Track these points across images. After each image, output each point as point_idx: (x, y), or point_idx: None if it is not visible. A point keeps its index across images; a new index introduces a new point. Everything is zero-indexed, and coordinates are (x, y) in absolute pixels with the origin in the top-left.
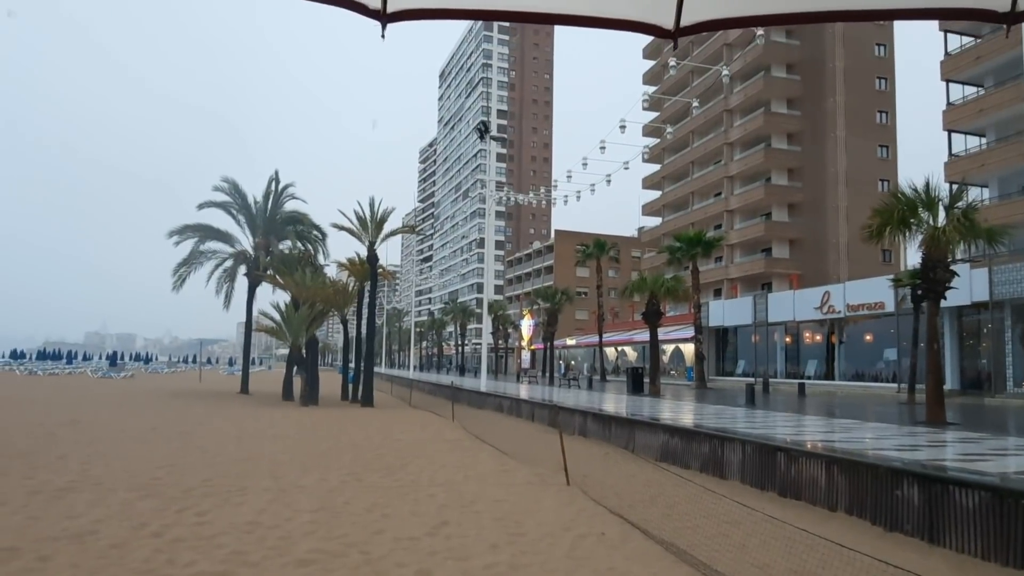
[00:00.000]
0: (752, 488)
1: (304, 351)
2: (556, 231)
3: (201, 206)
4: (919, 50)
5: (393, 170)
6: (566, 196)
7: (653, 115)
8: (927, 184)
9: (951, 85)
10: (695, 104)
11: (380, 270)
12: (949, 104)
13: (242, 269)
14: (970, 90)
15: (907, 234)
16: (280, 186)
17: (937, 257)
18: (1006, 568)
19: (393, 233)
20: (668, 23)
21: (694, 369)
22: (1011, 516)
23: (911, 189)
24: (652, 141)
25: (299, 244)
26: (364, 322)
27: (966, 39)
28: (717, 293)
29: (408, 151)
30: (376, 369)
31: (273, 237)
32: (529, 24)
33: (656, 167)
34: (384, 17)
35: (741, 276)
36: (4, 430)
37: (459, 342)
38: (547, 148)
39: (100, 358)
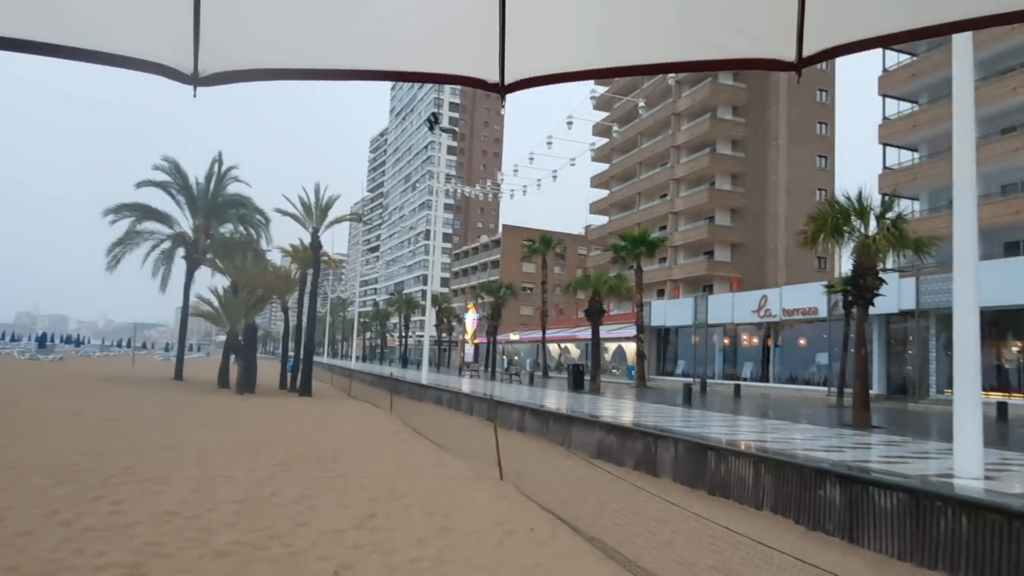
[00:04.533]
0: (683, 486)
1: (242, 338)
2: (504, 226)
3: (139, 185)
4: (859, 66)
5: (345, 160)
6: (512, 190)
7: (605, 115)
8: (860, 194)
9: (887, 100)
10: (642, 105)
11: (324, 258)
12: (885, 118)
13: (180, 252)
14: (905, 106)
15: (840, 241)
16: (223, 168)
17: (867, 265)
18: (921, 568)
19: (338, 220)
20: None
21: (635, 368)
22: (928, 517)
23: (845, 198)
24: (602, 140)
25: (241, 228)
26: (305, 310)
27: (903, 56)
28: (660, 293)
29: (360, 140)
30: (317, 359)
31: (214, 220)
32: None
33: (605, 166)
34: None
35: (684, 277)
36: None
37: (403, 334)
38: (498, 143)
39: (29, 339)
